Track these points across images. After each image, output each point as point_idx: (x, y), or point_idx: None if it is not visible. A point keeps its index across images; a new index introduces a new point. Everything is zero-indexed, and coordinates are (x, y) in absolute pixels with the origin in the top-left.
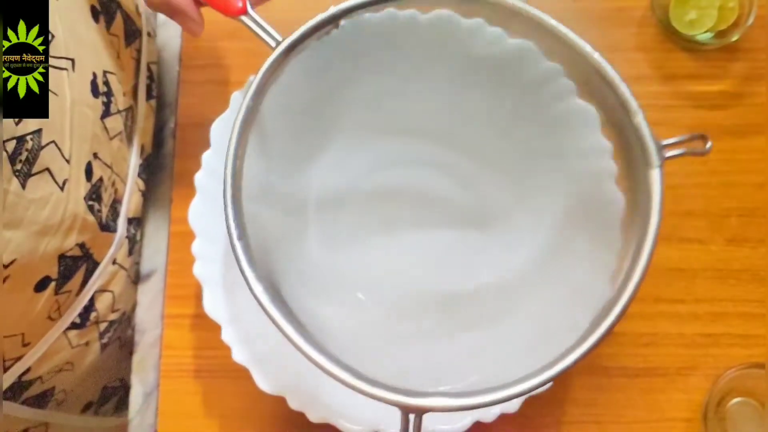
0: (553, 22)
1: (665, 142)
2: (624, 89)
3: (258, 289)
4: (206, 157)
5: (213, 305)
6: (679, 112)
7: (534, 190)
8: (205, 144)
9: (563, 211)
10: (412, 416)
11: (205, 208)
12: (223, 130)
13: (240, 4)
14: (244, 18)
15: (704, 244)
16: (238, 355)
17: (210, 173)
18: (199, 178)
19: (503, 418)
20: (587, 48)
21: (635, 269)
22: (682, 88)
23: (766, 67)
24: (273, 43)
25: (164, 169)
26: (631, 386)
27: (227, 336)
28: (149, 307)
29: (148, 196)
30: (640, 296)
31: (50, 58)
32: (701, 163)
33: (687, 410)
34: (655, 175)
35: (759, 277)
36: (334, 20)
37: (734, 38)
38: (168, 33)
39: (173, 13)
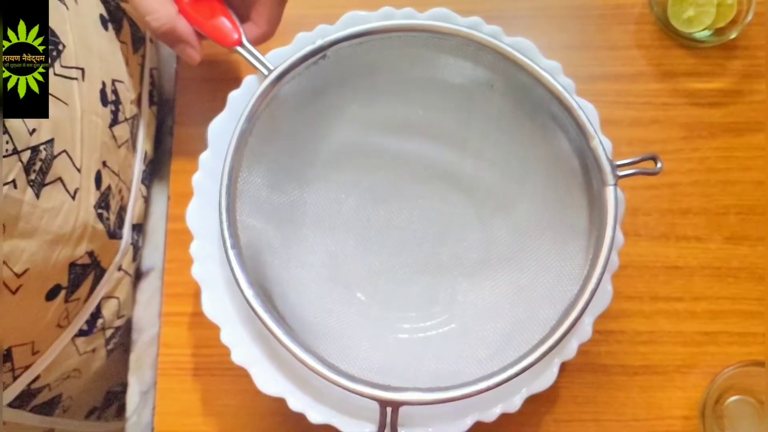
0: (517, 54)
1: (619, 162)
2: (581, 114)
3: (249, 293)
4: (203, 158)
5: (212, 307)
6: (676, 109)
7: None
8: (202, 141)
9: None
10: (389, 410)
11: (203, 209)
12: (220, 131)
13: (236, 36)
14: (239, 48)
15: (702, 242)
16: (238, 357)
17: (207, 174)
18: (197, 179)
19: (504, 417)
20: (548, 77)
21: (588, 284)
22: (680, 86)
23: (765, 64)
24: (265, 71)
25: (162, 166)
26: (630, 384)
27: (227, 337)
28: (147, 305)
29: (147, 196)
30: (638, 294)
31: (61, 68)
32: (699, 160)
33: (685, 408)
34: (609, 192)
35: (757, 275)
36: (320, 51)
37: (732, 35)
38: None
39: (176, 42)
